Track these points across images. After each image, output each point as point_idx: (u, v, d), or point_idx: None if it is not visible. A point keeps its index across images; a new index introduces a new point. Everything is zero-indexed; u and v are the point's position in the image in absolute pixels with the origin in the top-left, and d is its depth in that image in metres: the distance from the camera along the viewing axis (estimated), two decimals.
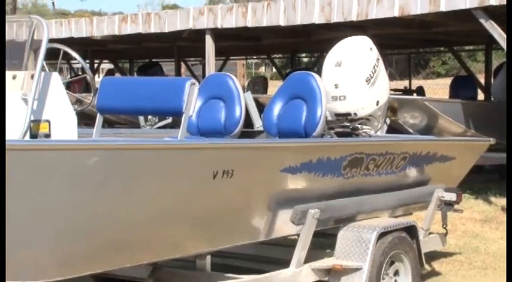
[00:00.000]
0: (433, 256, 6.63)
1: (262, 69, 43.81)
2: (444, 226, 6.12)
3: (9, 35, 4.24)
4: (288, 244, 5.10)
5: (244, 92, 5.75)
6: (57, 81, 4.13)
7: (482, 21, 8.88)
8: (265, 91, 16.21)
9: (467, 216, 8.47)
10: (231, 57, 21.49)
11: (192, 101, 4.46)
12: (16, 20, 4.37)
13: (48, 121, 4.04)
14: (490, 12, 8.81)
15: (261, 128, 5.87)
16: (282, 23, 11.09)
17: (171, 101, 4.51)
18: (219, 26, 11.84)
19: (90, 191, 3.57)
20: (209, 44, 12.07)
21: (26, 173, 3.31)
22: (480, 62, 27.19)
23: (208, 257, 4.73)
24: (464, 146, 6.75)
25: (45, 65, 4.02)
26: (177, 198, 4.00)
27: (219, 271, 4.79)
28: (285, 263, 4.82)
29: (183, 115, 4.41)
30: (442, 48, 20.64)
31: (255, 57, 28.85)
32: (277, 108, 5.55)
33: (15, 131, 3.86)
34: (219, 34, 12.14)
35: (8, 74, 4.00)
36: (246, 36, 13.51)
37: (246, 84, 19.76)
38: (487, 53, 16.27)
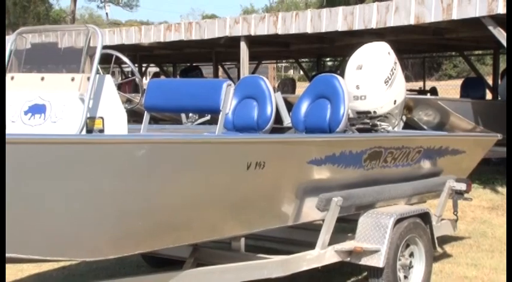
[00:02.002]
0: (444, 240, 6.57)
1: (290, 72, 43.68)
2: (455, 213, 6.07)
3: (68, 42, 4.29)
4: (313, 228, 5.09)
5: (274, 92, 5.73)
6: (109, 82, 4.16)
7: (490, 28, 8.77)
8: (293, 91, 16.17)
9: (476, 204, 8.39)
10: (263, 61, 21.51)
11: (228, 100, 4.47)
12: (74, 29, 4.42)
13: (102, 118, 4.07)
14: (498, 20, 8.70)
15: (290, 125, 5.86)
16: (309, 30, 11.06)
17: (210, 100, 4.52)
18: (252, 34, 11.85)
19: (139, 181, 3.59)
20: (243, 49, 12.08)
21: (83, 164, 3.35)
22: (488, 65, 26.79)
23: (243, 239, 4.75)
24: (473, 141, 6.67)
25: (99, 69, 4.05)
26: (214, 186, 4.02)
27: (252, 252, 4.80)
28: (311, 245, 4.82)
29: (220, 113, 4.43)
30: (453, 53, 20.38)
31: (284, 61, 28.77)
32: (304, 107, 5.53)
33: (73, 126, 3.91)
34: (253, 40, 12.14)
35: (67, 77, 4.04)
36: (277, 42, 13.50)
37: (276, 85, 19.73)
38: (495, 57, 16.04)
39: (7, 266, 5.61)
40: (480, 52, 21.31)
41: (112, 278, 4.10)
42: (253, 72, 17.33)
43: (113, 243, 3.66)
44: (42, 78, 4.12)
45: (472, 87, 13.28)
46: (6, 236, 3.16)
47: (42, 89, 4.08)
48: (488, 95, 14.77)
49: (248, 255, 4.69)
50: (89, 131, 3.99)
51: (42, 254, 3.38)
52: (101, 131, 4.06)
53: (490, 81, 15.61)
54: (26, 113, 4.08)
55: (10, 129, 4.11)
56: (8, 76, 4.25)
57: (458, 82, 16.46)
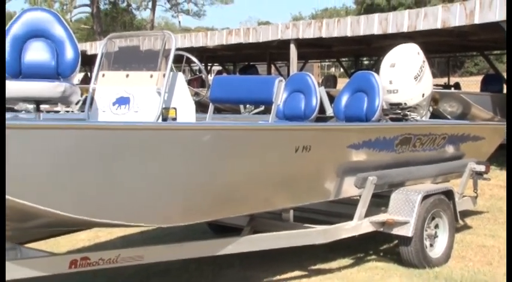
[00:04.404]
0: (465, 214, 6.42)
1: (332, 70, 43.16)
2: (475, 191, 5.94)
3: (148, 46, 4.34)
4: (351, 203, 5.04)
5: (319, 86, 5.67)
6: (181, 79, 4.18)
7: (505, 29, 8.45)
8: (335, 86, 15.98)
9: (494, 183, 8.12)
10: (309, 61, 21.31)
11: (280, 94, 4.46)
12: (153, 34, 4.46)
13: (175, 108, 4.10)
14: None
15: (332, 114, 5.80)
16: (349, 34, 10.91)
17: (264, 94, 4.51)
18: (300, 37, 11.77)
19: (205, 161, 3.61)
20: (293, 50, 12.01)
21: (160, 146, 3.38)
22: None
23: (291, 211, 4.73)
24: (491, 129, 6.47)
25: (173, 67, 4.08)
26: (268, 166, 4.00)
27: (299, 222, 4.79)
28: (349, 217, 4.77)
29: (273, 104, 4.41)
30: (474, 53, 19.73)
31: (327, 60, 28.47)
32: (344, 99, 5.46)
33: (151, 115, 3.95)
34: (300, 43, 12.05)
35: (147, 74, 4.09)
36: (321, 44, 13.36)
37: (320, 81, 19.53)
38: None
39: (100, 230, 5.77)
40: (499, 52, 20.50)
41: (182, 241, 4.15)
42: (301, 70, 17.19)
43: (183, 213, 3.70)
44: (127, 75, 4.18)
45: (491, 83, 12.87)
46: (100, 206, 3.23)
47: (127, 84, 4.14)
48: (505, 89, 14.28)
49: (296, 225, 4.68)
50: (164, 119, 4.02)
51: (127, 220, 3.45)
52: (174, 119, 4.09)
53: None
54: (113, 104, 4.15)
55: (101, 117, 4.20)
56: (100, 74, 4.33)
57: (479, 78, 15.94)
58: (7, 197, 2.87)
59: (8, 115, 5.08)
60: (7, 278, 3.23)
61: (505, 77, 14.92)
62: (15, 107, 10.64)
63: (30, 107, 5.63)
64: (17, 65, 4.07)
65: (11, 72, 4.06)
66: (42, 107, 4.18)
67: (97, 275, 4.38)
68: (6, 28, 4.12)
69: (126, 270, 3.96)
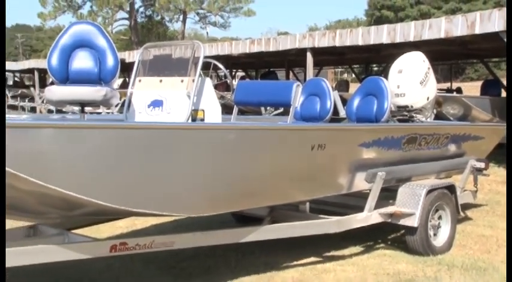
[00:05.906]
0: (466, 206, 6.31)
1: (345, 75, 42.87)
2: (475, 185, 5.84)
3: (179, 54, 4.35)
4: (362, 196, 4.99)
5: (333, 90, 5.62)
6: (208, 83, 4.18)
7: (506, 40, 8.30)
8: (347, 90, 15.86)
9: (492, 179, 7.99)
10: (324, 67, 21.18)
11: (297, 97, 4.44)
12: (184, 44, 4.47)
13: (203, 110, 4.11)
14: None
15: (345, 116, 5.75)
16: (360, 43, 10.83)
17: (283, 97, 4.50)
18: (316, 46, 11.71)
19: (230, 157, 3.61)
20: (309, 58, 11.96)
21: (190, 144, 3.39)
22: (504, 70, 25.38)
23: (308, 203, 4.71)
24: (490, 129, 6.36)
25: (201, 73, 4.08)
26: (286, 162, 3.99)
27: (315, 213, 4.76)
28: (360, 209, 4.73)
29: (291, 106, 4.39)
30: (475, 60, 19.39)
31: (340, 67, 28.28)
32: (356, 102, 5.42)
33: (182, 116, 3.96)
34: (316, 51, 11.99)
35: (178, 79, 4.09)
36: (335, 52, 13.26)
37: (334, 85, 19.41)
38: None
39: (136, 218, 5.81)
40: (497, 59, 20.15)
41: (209, 229, 4.16)
42: (316, 76, 17.11)
43: (210, 204, 3.70)
44: (161, 81, 4.20)
45: (490, 87, 12.67)
46: (136, 197, 3.24)
47: (160, 89, 4.15)
48: (503, 93, 14.03)
49: (311, 216, 4.65)
50: (194, 119, 4.03)
51: (160, 210, 3.47)
52: (202, 120, 4.09)
53: (504, 82, 14.77)
54: (148, 106, 4.17)
55: (137, 118, 4.22)
56: (136, 79, 4.35)
57: (479, 83, 15.68)
58: (56, 188, 2.91)
59: (56, 116, 5.15)
60: (57, 259, 3.28)
61: (504, 81, 14.68)
62: (63, 109, 10.78)
63: (76, 109, 5.69)
64: (64, 72, 4.12)
65: (59, 78, 4.12)
66: (86, 109, 4.22)
67: (134, 259, 4.41)
68: (56, 39, 4.18)
69: (159, 254, 3.98)
